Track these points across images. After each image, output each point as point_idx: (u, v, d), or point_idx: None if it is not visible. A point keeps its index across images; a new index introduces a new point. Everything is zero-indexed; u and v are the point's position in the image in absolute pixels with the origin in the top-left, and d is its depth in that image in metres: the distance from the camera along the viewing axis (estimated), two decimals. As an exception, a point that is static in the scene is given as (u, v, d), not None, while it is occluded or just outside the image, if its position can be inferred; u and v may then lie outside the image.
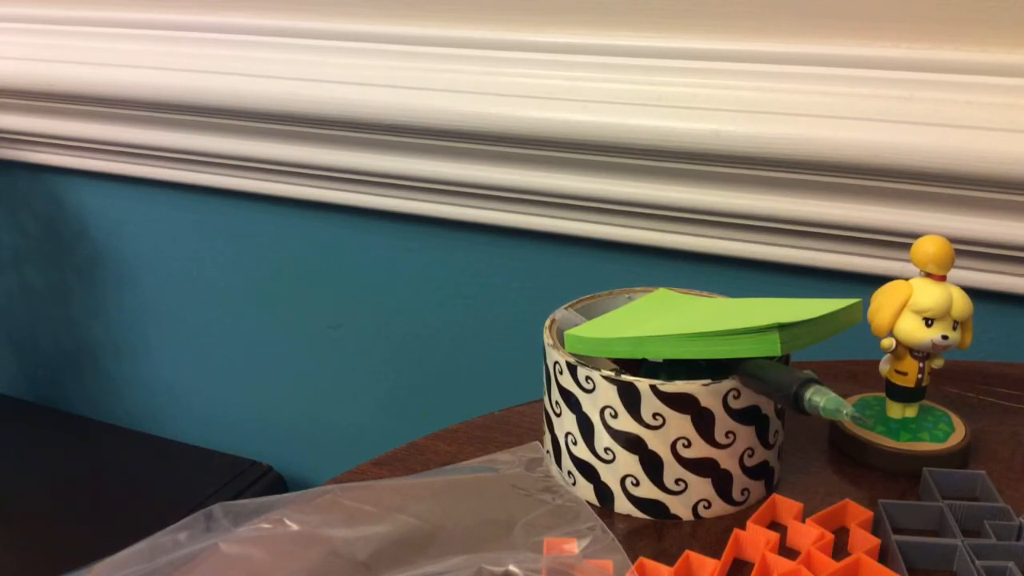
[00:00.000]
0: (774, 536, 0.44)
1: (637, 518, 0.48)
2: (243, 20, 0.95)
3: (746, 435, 0.47)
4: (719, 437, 0.46)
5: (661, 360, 0.52)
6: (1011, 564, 0.41)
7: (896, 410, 0.53)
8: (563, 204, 0.83)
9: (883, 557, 0.44)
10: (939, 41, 0.69)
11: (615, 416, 0.47)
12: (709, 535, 0.47)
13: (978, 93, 0.67)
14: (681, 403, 0.45)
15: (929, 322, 0.49)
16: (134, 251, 1.14)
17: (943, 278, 0.50)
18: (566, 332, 0.51)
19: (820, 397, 0.42)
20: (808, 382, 0.43)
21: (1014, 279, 0.70)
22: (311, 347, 1.07)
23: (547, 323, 0.53)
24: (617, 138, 0.76)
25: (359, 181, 0.92)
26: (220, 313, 1.12)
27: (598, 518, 0.47)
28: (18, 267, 1.25)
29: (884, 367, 0.52)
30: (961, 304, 0.49)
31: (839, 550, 0.45)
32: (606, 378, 0.46)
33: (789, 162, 0.71)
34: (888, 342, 0.51)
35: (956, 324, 0.50)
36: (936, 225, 0.69)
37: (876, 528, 0.46)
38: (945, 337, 0.49)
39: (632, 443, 0.47)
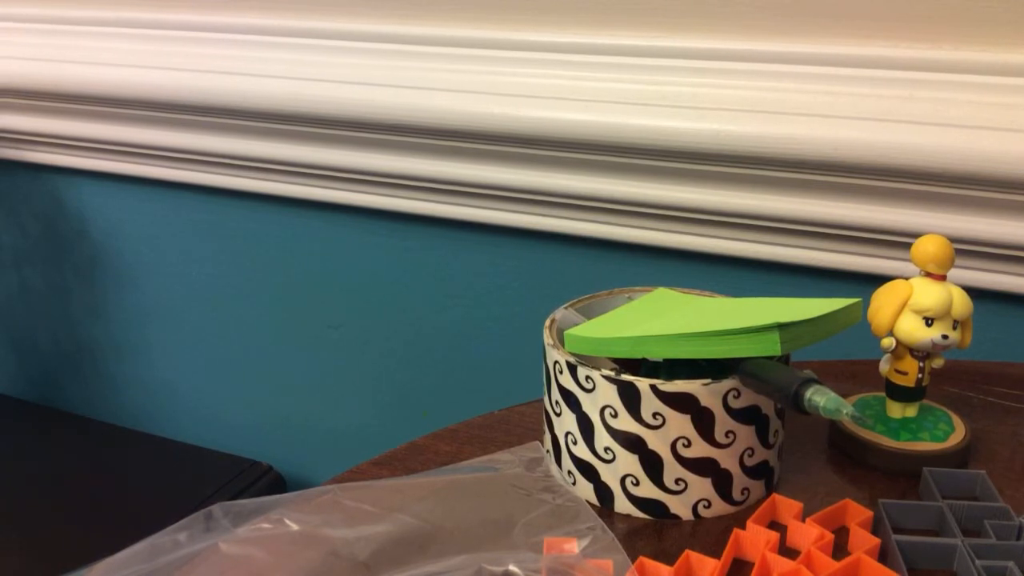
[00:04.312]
0: (774, 536, 0.44)
1: (637, 518, 0.48)
2: (243, 20, 0.95)
3: (746, 435, 0.47)
4: (719, 437, 0.46)
5: (661, 360, 0.52)
6: (1011, 564, 0.41)
7: (896, 410, 0.53)
8: (563, 204, 0.83)
9: (883, 557, 0.44)
10: (939, 41, 0.69)
11: (615, 416, 0.47)
12: (709, 535, 0.47)
13: (978, 93, 0.67)
14: (681, 403, 0.45)
15: (929, 322, 0.49)
16: (134, 251, 1.14)
17: (943, 278, 0.50)
18: (566, 332, 0.51)
19: (820, 397, 0.42)
20: (808, 382, 0.43)
21: (1014, 279, 0.70)
22: (311, 347, 1.07)
23: (547, 323, 0.53)
24: (618, 138, 0.76)
25: (359, 181, 0.92)
26: (220, 313, 1.12)
27: (598, 518, 0.47)
28: (18, 267, 1.25)
29: (884, 367, 0.52)
30: (961, 304, 0.49)
31: (839, 550, 0.45)
32: (606, 378, 0.46)
33: (789, 162, 0.71)
34: (888, 342, 0.51)
35: (956, 324, 0.50)
36: (936, 225, 0.69)
37: (876, 528, 0.46)
38: (945, 337, 0.49)
39: (632, 443, 0.47)
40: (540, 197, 0.84)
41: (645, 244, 0.82)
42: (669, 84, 0.76)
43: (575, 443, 0.49)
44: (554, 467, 0.52)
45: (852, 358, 0.63)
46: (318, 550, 0.45)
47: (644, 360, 0.53)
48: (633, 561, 0.43)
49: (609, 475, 0.48)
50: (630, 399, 0.46)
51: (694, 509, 0.48)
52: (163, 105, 0.97)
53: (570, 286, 0.84)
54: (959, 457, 0.51)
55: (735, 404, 0.46)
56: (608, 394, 0.46)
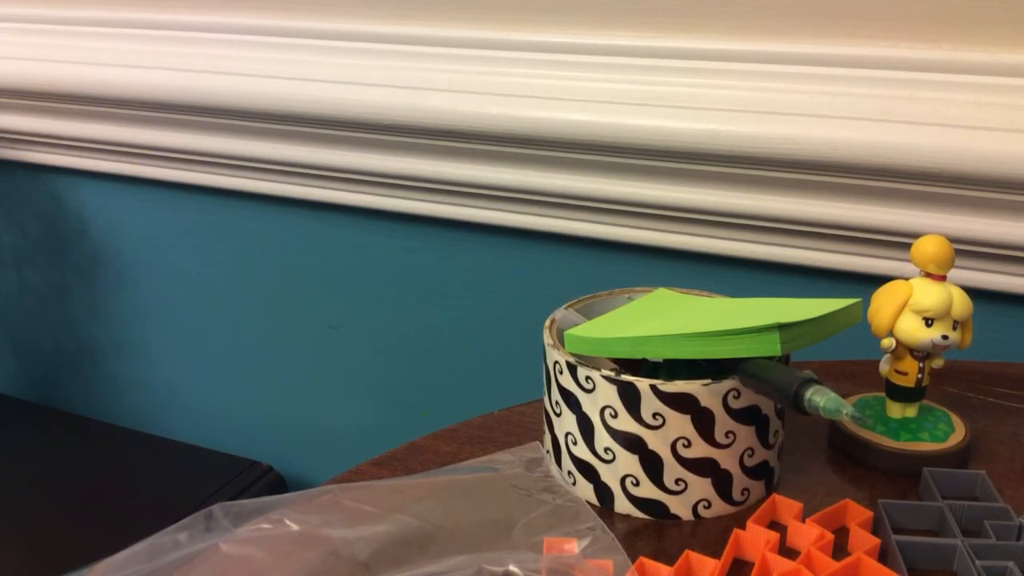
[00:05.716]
0: (774, 536, 0.44)
1: (637, 518, 0.48)
2: (243, 20, 0.95)
3: (746, 435, 0.47)
4: (719, 437, 0.46)
5: (661, 360, 0.52)
6: (1011, 564, 0.41)
7: (896, 410, 0.53)
8: (563, 204, 0.83)
9: (883, 557, 0.44)
10: (939, 41, 0.69)
11: (615, 416, 0.47)
12: (709, 535, 0.47)
13: (978, 93, 0.67)
14: (681, 403, 0.45)
15: (929, 322, 0.49)
16: (134, 251, 1.14)
17: (943, 278, 0.50)
18: (566, 332, 0.51)
19: (820, 397, 0.42)
20: (808, 382, 0.43)
21: (1014, 279, 0.70)
22: (311, 347, 1.07)
23: (547, 323, 0.53)
24: (617, 138, 0.76)
25: (359, 181, 0.92)
26: (220, 313, 1.12)
27: (598, 518, 0.47)
28: (18, 267, 1.25)
29: (884, 367, 0.52)
30: (961, 304, 0.49)
31: (839, 550, 0.45)
32: (606, 378, 0.46)
33: (789, 162, 0.71)
34: (888, 342, 0.51)
35: (956, 324, 0.50)
36: (936, 225, 0.69)
37: (876, 528, 0.46)
38: (945, 337, 0.49)
39: (632, 443, 0.47)
40: (539, 197, 0.84)
41: (644, 244, 0.82)
42: (667, 84, 0.76)
43: (575, 443, 0.49)
44: (554, 467, 0.52)
45: (852, 358, 0.63)
46: (318, 550, 0.45)
47: (644, 360, 0.53)
48: (633, 561, 0.43)
49: (609, 475, 0.48)
50: (630, 399, 0.46)
51: (694, 509, 0.48)
52: (162, 105, 0.97)
53: (570, 286, 0.84)
54: (959, 457, 0.51)
55: (735, 404, 0.46)
56: (608, 394, 0.46)
